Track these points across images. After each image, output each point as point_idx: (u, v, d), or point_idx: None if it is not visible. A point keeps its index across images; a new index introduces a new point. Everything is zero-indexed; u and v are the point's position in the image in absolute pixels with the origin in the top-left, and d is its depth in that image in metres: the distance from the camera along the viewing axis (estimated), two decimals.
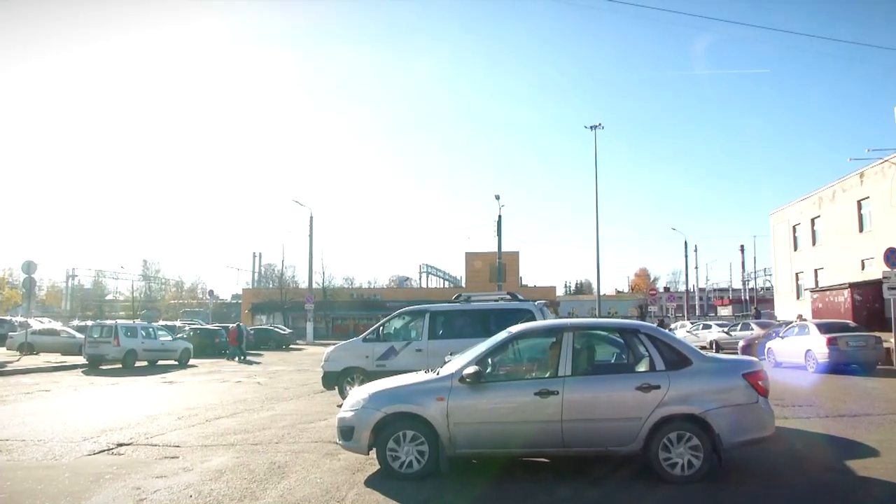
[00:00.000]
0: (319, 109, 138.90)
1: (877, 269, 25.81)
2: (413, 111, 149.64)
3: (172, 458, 8.00)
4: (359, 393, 7.22)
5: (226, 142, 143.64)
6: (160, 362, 26.12)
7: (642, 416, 6.42)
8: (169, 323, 44.54)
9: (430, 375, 7.04)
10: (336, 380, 13.17)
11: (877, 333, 21.16)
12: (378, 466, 6.84)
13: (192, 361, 27.28)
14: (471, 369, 6.62)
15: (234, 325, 34.84)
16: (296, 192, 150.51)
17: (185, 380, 19.80)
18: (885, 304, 24.11)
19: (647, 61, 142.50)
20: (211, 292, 74.33)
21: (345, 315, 65.18)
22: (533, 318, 11.71)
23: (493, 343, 7.15)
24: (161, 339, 27.06)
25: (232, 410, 12.30)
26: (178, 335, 30.85)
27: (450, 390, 6.65)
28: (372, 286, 79.95)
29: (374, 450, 6.78)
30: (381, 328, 13.53)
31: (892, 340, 20.93)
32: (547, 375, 6.78)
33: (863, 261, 34.03)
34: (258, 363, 27.81)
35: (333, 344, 14.82)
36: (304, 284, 57.17)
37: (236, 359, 30.00)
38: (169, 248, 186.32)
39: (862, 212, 35.62)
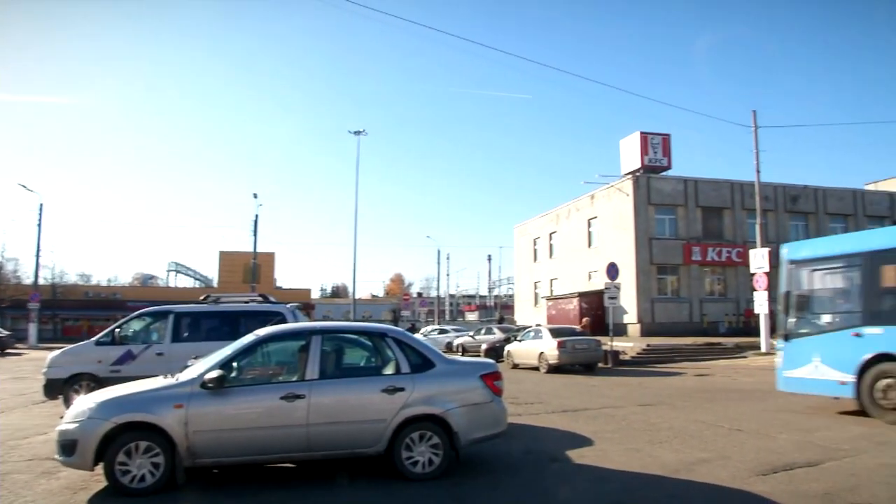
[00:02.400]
0: (65, 84, 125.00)
1: (601, 281, 28.98)
2: (168, 94, 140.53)
3: None
4: (84, 402, 6.48)
5: None
6: None
7: (387, 418, 6.59)
8: None
9: (169, 381, 6.58)
10: (61, 388, 11.81)
11: (598, 338, 23.80)
12: (105, 483, 6.21)
13: None
14: (213, 374, 6.30)
15: None
16: (25, 175, 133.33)
17: None
18: (605, 311, 27.05)
19: (417, 75, 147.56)
20: None
21: (78, 315, 58.99)
22: (285, 321, 11.50)
23: (240, 346, 6.88)
24: None
25: None
26: None
27: (190, 396, 6.26)
28: (112, 284, 73.43)
29: (102, 464, 6.15)
30: (118, 330, 12.40)
31: (610, 344, 23.69)
32: (294, 379, 6.67)
33: (590, 273, 38.05)
34: None
35: (60, 348, 13.29)
36: (29, 280, 50.93)
37: None
38: None
39: (591, 229, 39.83)
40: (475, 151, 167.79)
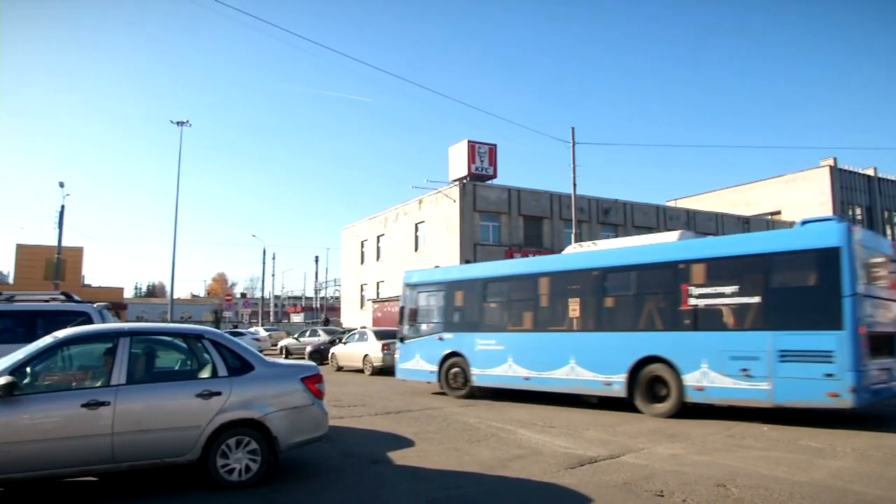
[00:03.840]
0: None
1: None
2: None
3: None
4: None
5: None
6: None
7: (202, 424, 6.27)
8: None
9: None
10: None
11: None
12: None
13: None
14: (1, 380, 5.66)
15: None
16: None
17: None
18: None
19: (247, 69, 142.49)
20: None
21: None
22: (91, 322, 10.63)
23: (35, 349, 6.21)
24: None
25: None
26: None
27: None
28: None
29: None
30: None
31: None
32: (99, 385, 6.16)
33: None
34: None
35: None
36: None
37: None
38: None
39: (418, 234, 40.45)
40: (304, 151, 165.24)
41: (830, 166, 50.33)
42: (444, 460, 7.83)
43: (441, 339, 14.94)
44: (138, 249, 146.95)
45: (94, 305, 11.97)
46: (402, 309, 16.05)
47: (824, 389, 9.58)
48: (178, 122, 41.36)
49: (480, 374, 14.17)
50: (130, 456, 6.06)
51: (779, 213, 53.05)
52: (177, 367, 7.14)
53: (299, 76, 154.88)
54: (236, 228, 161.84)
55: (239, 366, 6.68)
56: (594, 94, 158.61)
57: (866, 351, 9.54)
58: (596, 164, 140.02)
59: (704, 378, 10.78)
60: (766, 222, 51.30)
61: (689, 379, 10.94)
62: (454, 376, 14.72)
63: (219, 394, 6.38)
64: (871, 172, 53.59)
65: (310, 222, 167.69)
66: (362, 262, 47.50)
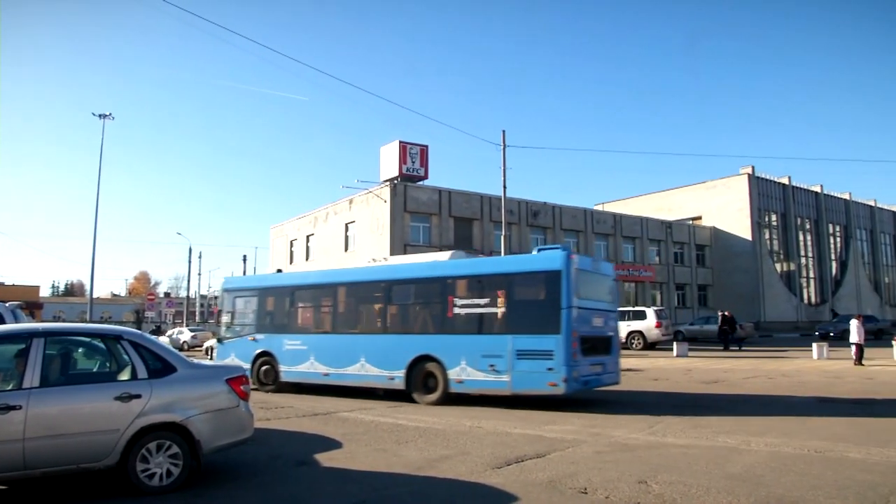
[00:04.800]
0: None
1: None
2: None
3: None
4: None
5: None
6: None
7: (121, 428, 6.04)
8: None
9: None
10: None
11: None
12: None
13: None
14: None
15: None
16: None
17: None
18: None
19: (178, 62, 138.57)
20: None
21: None
22: (2, 322, 10.14)
23: None
24: None
25: None
26: None
27: None
28: None
29: None
30: None
31: None
32: (9, 388, 5.86)
33: None
34: None
35: None
36: None
37: None
38: None
39: (349, 234, 40.15)
40: (233, 149, 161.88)
41: (749, 174, 52.42)
42: (372, 461, 7.79)
43: (254, 339, 16.33)
44: (56, 246, 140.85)
45: (7, 304, 11.43)
46: (219, 312, 17.74)
47: (546, 380, 11.86)
48: (100, 115, 39.82)
49: (287, 371, 15.61)
50: (44, 462, 5.79)
51: (700, 218, 54.98)
52: (95, 370, 6.88)
53: (230, 73, 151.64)
54: (161, 226, 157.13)
55: (160, 367, 6.47)
56: (526, 98, 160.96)
57: (578, 350, 11.88)
58: (527, 167, 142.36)
59: (463, 373, 12.81)
60: (688, 227, 53.10)
61: (452, 373, 12.93)
62: (265, 373, 16.04)
63: (139, 396, 6.17)
64: (785, 181, 56.06)
65: (238, 221, 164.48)
66: (291, 262, 46.81)
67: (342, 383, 14.64)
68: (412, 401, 13.37)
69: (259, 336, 16.31)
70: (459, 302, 13.26)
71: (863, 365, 20.92)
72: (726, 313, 32.10)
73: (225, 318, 17.43)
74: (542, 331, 12.03)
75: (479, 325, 12.97)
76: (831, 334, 36.24)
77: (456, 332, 13.23)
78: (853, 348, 21.42)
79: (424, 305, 14.25)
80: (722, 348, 30.79)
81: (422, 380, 13.41)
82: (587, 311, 12.52)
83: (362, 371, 14.27)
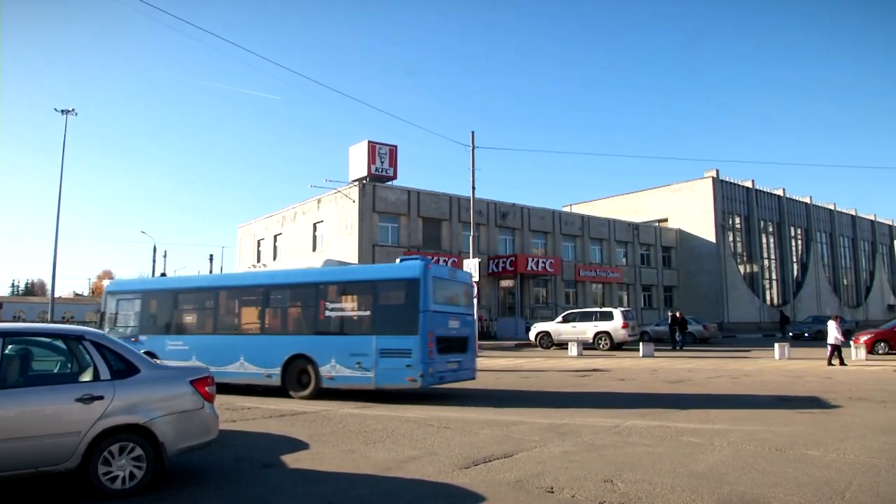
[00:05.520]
0: None
1: None
2: None
3: None
4: None
5: None
6: None
7: (82, 430, 5.92)
8: None
9: None
10: None
11: None
12: None
13: None
14: None
15: None
16: None
17: None
18: None
19: (144, 58, 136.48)
20: None
21: None
22: None
23: None
24: None
25: None
26: None
27: None
28: None
29: None
30: None
31: None
32: None
33: None
34: None
35: None
36: None
37: None
38: None
39: (317, 233, 39.96)
40: (199, 147, 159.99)
41: (713, 178, 53.27)
42: (339, 462, 7.76)
43: (136, 340, 16.57)
44: (16, 244, 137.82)
45: None
46: (102, 314, 18.04)
47: (406, 375, 13.10)
48: (62, 111, 39.20)
49: None
50: (2, 465, 5.65)
51: (666, 220, 55.74)
52: (55, 371, 6.74)
53: (199, 70, 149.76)
54: (125, 225, 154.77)
55: (123, 368, 6.37)
56: (495, 99, 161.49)
57: (434, 349, 13.14)
58: (496, 168, 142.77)
59: (333, 370, 13.85)
60: (655, 228, 53.79)
61: (324, 371, 13.97)
62: None
63: (101, 398, 6.06)
64: (749, 185, 57.06)
65: (205, 220, 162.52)
66: (259, 261, 46.44)
67: (223, 380, 14.63)
68: (289, 396, 14.29)
69: (142, 337, 16.78)
70: (330, 306, 14.48)
71: (845, 365, 21.41)
72: (677, 314, 33.35)
73: (108, 320, 17.72)
74: (403, 332, 13.25)
75: (348, 326, 14.22)
76: (806, 335, 36.87)
77: (327, 332, 14.36)
78: (829, 349, 21.86)
79: (299, 309, 15.37)
80: (670, 347, 32.04)
81: (296, 377, 14.44)
82: (443, 315, 13.80)
83: (241, 369, 15.11)
